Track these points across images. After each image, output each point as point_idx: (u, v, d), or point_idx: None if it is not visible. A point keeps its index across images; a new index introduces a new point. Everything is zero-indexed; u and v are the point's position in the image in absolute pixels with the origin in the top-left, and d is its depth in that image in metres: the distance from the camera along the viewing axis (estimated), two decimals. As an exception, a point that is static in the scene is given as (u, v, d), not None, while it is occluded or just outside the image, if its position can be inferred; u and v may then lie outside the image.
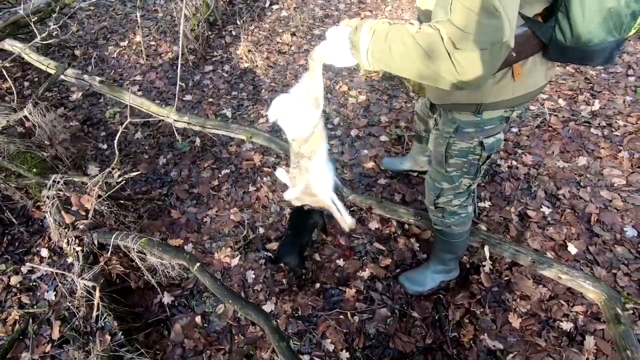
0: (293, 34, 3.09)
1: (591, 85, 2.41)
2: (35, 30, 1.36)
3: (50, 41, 1.53)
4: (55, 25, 1.59)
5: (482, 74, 0.69)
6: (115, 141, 1.72)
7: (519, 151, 2.12)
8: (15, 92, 2.15)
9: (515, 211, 1.87)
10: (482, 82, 0.71)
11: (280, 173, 1.36)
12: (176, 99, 2.06)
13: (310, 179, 1.16)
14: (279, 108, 1.05)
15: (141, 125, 2.46)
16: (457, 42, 0.66)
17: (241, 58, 2.90)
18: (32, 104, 2.00)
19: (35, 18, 1.74)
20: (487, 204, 1.91)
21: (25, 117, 2.01)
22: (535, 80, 0.99)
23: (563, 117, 2.25)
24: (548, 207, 1.86)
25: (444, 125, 1.19)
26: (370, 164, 2.15)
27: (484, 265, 1.66)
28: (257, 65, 2.82)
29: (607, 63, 0.91)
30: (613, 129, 2.15)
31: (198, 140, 2.32)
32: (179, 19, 2.80)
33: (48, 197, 1.67)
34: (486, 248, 1.58)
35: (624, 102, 2.27)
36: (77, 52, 3.03)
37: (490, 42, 0.66)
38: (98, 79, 2.26)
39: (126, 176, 1.80)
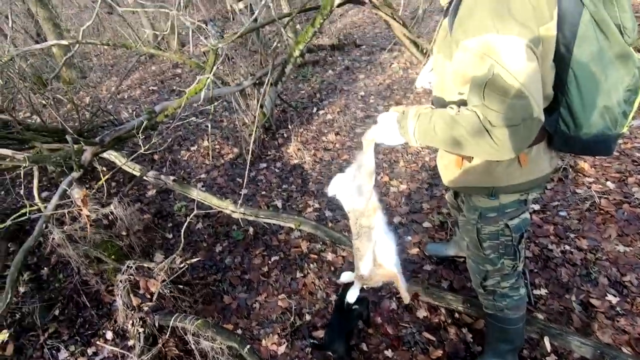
0: (337, 134, 3.46)
1: (640, 167, 2.37)
2: (140, 142, 1.73)
3: (143, 152, 1.92)
4: (144, 139, 2.02)
5: (519, 146, 0.84)
6: (183, 230, 1.97)
7: (572, 235, 2.05)
8: (105, 190, 2.58)
9: (577, 300, 1.74)
10: (519, 152, 0.85)
11: (346, 276, 1.45)
12: (242, 194, 2.33)
13: (375, 248, 1.25)
14: (337, 185, 1.21)
15: (202, 217, 2.75)
16: (493, 121, 0.82)
17: (291, 156, 3.25)
18: (117, 201, 2.38)
19: (136, 134, 2.21)
20: (543, 291, 1.81)
21: (111, 211, 2.37)
22: (541, 168, 1.08)
23: (614, 199, 2.19)
24: (615, 296, 1.72)
25: (468, 212, 1.27)
26: (415, 250, 2.17)
27: (548, 361, 1.52)
28: (305, 162, 3.14)
29: (607, 154, 1.01)
30: (674, 211, 2.04)
31: (251, 230, 2.53)
32: (240, 127, 3.30)
33: (121, 281, 1.88)
34: (546, 339, 1.47)
35: (680, 182, 2.18)
36: (155, 157, 3.60)
37: (522, 118, 0.81)
38: (172, 178, 2.66)
39: (187, 262, 2.00)
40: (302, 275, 2.16)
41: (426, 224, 2.34)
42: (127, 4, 6.11)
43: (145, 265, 1.98)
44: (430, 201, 2.50)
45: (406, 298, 1.42)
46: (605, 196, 2.22)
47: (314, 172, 3.05)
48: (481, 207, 1.19)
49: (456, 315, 1.77)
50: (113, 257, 2.10)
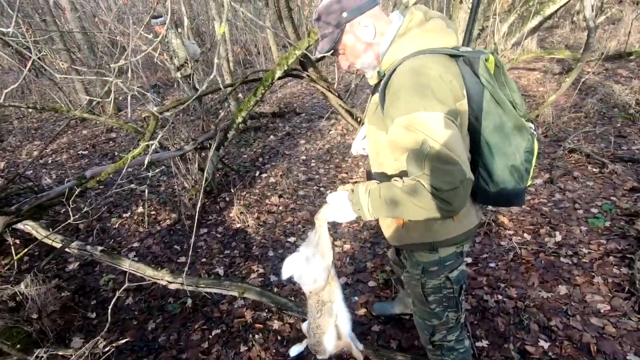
0: (280, 196, 3.49)
1: (548, 219, 2.71)
2: (70, 211, 1.59)
3: (71, 222, 1.75)
4: (71, 207, 1.86)
5: (462, 203, 0.96)
6: (110, 307, 1.75)
7: (502, 285, 2.20)
8: (15, 267, 2.25)
9: (515, 348, 1.83)
10: (462, 208, 0.97)
11: (295, 348, 1.42)
12: (181, 262, 2.18)
13: (338, 321, 1.25)
14: (290, 266, 1.18)
15: (133, 291, 2.49)
16: (438, 187, 0.93)
17: (234, 220, 3.18)
18: (29, 278, 2.08)
19: (60, 201, 2.02)
20: (484, 343, 1.88)
21: (18, 291, 2.05)
22: (471, 220, 1.21)
23: (532, 249, 2.44)
24: (545, 341, 1.84)
25: (411, 268, 1.33)
26: (362, 311, 2.16)
27: (498, 415, 1.53)
28: (248, 225, 3.08)
29: (520, 205, 1.21)
30: (580, 257, 2.32)
31: (189, 301, 2.34)
32: (179, 191, 3.19)
33: (27, 376, 1.58)
34: (492, 392, 1.49)
35: (580, 231, 2.52)
36: (81, 226, 3.28)
37: (459, 180, 0.93)
38: (99, 248, 2.42)
39: (113, 345, 1.76)
40: (247, 348, 2.00)
41: (371, 283, 2.36)
42: (61, 68, 5.94)
43: (60, 352, 1.70)
44: (373, 259, 2.56)
45: (360, 357, 1.39)
46: (525, 247, 2.47)
47: (258, 235, 2.99)
48: (423, 262, 1.26)
49: (407, 376, 1.74)
50: (19, 346, 1.77)
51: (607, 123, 4.04)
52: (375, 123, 1.16)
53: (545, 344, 1.82)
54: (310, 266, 1.17)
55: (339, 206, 1.14)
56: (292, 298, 2.29)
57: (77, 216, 1.57)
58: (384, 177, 1.19)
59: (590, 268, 2.23)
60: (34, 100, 6.64)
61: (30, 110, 5.26)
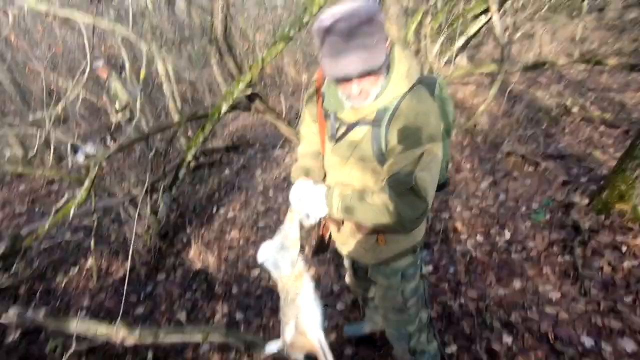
0: (240, 230, 3.42)
1: (496, 219, 2.88)
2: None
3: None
4: (5, 270, 1.69)
5: (416, 227, 1.12)
6: (56, 376, 1.59)
7: (463, 288, 2.28)
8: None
9: (482, 349, 1.88)
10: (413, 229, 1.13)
11: (271, 345, 1.40)
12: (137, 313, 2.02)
13: (300, 314, 1.23)
14: (264, 252, 1.24)
15: (86, 354, 2.27)
16: (402, 213, 1.06)
17: (193, 261, 3.05)
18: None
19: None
20: (454, 347, 1.91)
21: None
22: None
23: (486, 249, 2.57)
24: (508, 336, 1.92)
25: (388, 279, 1.34)
26: (333, 336, 2.13)
27: (474, 419, 1.54)
28: (209, 264, 2.97)
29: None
30: (528, 251, 2.48)
31: (150, 355, 2.18)
32: (132, 239, 3.02)
33: None
34: (465, 396, 1.51)
35: (525, 227, 2.70)
36: (20, 291, 2.98)
37: (422, 213, 1.10)
38: (42, 312, 2.20)
39: (64, 418, 1.58)
40: (216, 396, 1.89)
41: (339, 306, 2.35)
42: (-11, 123, 5.54)
43: None
44: (339, 282, 2.55)
45: None
46: (479, 248, 2.59)
47: (220, 273, 2.89)
48: (401, 268, 1.30)
49: (383, 395, 1.72)
50: None
51: (535, 125, 4.44)
52: (355, 157, 1.19)
53: (508, 339, 1.89)
54: (278, 254, 1.23)
55: (315, 199, 1.20)
56: (261, 333, 2.21)
57: (1, 281, 1.43)
58: None
59: (538, 260, 2.38)
60: (-40, 159, 6.08)
61: (-45, 170, 4.81)
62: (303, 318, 1.26)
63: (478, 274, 2.38)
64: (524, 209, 2.93)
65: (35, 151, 3.58)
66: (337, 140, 1.21)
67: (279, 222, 3.45)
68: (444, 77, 5.03)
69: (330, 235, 1.53)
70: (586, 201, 2.75)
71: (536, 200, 2.99)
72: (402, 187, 1.05)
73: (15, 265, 2.49)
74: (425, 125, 1.06)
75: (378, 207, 1.09)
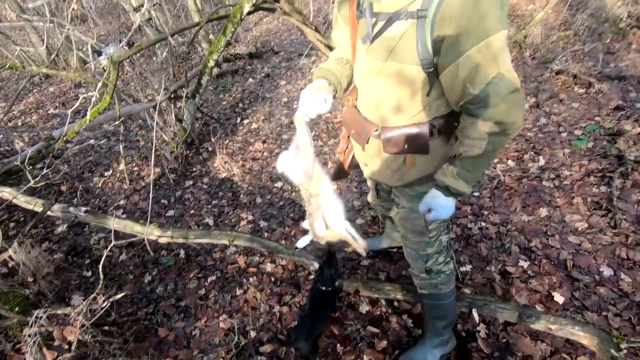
0: (264, 142, 3.41)
1: (532, 144, 2.71)
2: (28, 175, 1.52)
3: (40, 184, 1.69)
4: (47, 170, 1.78)
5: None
6: (100, 265, 1.77)
7: (485, 212, 2.26)
8: (1, 234, 2.22)
9: (496, 270, 1.93)
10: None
11: (302, 241, 1.61)
12: (168, 215, 2.16)
13: (324, 212, 1.36)
14: (283, 161, 1.29)
15: (126, 247, 2.51)
16: (513, 121, 0.98)
17: (218, 170, 3.13)
18: (17, 244, 2.07)
19: (27, 165, 1.93)
20: (468, 267, 1.97)
21: (10, 256, 2.05)
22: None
23: (516, 175, 2.47)
24: (525, 261, 1.94)
25: (410, 202, 1.30)
26: (351, 248, 2.22)
27: (479, 331, 1.65)
28: (234, 174, 3.04)
29: None
30: (562, 179, 2.36)
31: (182, 253, 2.38)
32: (159, 145, 3.09)
33: (29, 336, 1.63)
34: (474, 311, 1.59)
35: (563, 154, 2.54)
36: (63, 188, 3.21)
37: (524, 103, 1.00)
38: (83, 209, 2.38)
39: (110, 299, 1.80)
40: (243, 291, 2.08)
41: (359, 221, 2.40)
42: (10, 19, 5.40)
43: (59, 311, 1.74)
44: (360, 198, 2.58)
45: (362, 252, 1.52)
46: (509, 174, 2.49)
47: (244, 183, 2.97)
48: (424, 192, 1.21)
49: (395, 304, 1.84)
50: (17, 309, 1.81)
51: (597, 40, 3.88)
52: (395, 59, 1.00)
53: (524, 264, 1.92)
54: (296, 162, 1.26)
55: (448, 206, 1.14)
56: (282, 241, 2.34)
57: (37, 179, 1.50)
58: (396, 132, 1.13)
59: (570, 189, 2.28)
60: (-11, 57, 6.12)
61: (-15, 69, 4.87)
62: (327, 215, 1.38)
63: (503, 200, 2.33)
64: (565, 134, 2.72)
65: (57, 51, 3.51)
66: (373, 39, 1.02)
67: (302, 136, 3.41)
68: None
69: (352, 159, 1.48)
70: (638, 130, 2.51)
71: (580, 126, 2.76)
72: (494, 98, 0.92)
73: (51, 165, 2.62)
74: (489, 9, 0.86)
75: (489, 139, 0.98)
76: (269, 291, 2.06)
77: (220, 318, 1.96)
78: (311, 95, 1.16)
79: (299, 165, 1.26)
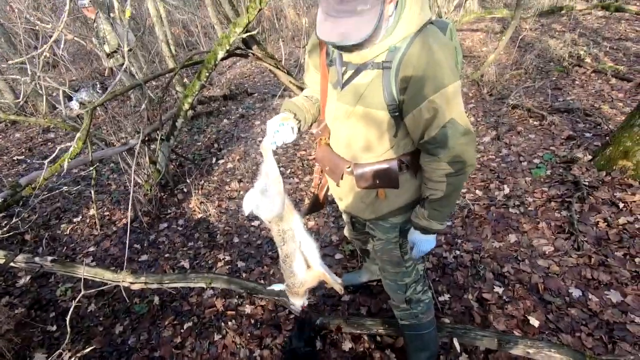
0: (240, 181, 3.43)
1: (496, 174, 2.87)
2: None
3: (5, 235, 1.62)
4: (16, 219, 1.71)
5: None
6: (68, 318, 1.66)
7: (459, 241, 2.34)
8: (-44, 291, 2.07)
9: (473, 297, 1.97)
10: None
11: (277, 286, 1.50)
12: (141, 260, 2.09)
13: (302, 249, 1.29)
14: (249, 201, 1.23)
15: (95, 297, 2.38)
16: (469, 162, 1.10)
17: (194, 211, 3.10)
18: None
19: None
20: (446, 296, 2.00)
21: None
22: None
23: (484, 204, 2.59)
24: (499, 287, 1.99)
25: (386, 233, 1.34)
26: (329, 285, 2.21)
27: (462, 361, 1.65)
28: (210, 214, 3.01)
29: None
30: (526, 206, 2.50)
31: (157, 299, 2.28)
32: (132, 188, 3.03)
33: (-15, 402, 1.49)
34: (455, 340, 1.61)
35: (525, 182, 2.70)
36: (27, 237, 3.05)
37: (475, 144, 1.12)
38: (50, 258, 2.26)
39: (78, 354, 1.69)
40: (221, 336, 2.00)
41: (338, 256, 2.42)
42: (-24, 67, 5.33)
43: (20, 372, 1.61)
44: (338, 233, 2.60)
45: (340, 290, 1.45)
46: (477, 202, 2.61)
47: (221, 223, 2.94)
48: (400, 223, 1.29)
49: (378, 339, 1.83)
50: (-29, 373, 1.66)
51: (545, 77, 4.27)
52: (363, 104, 1.09)
53: (499, 289, 1.97)
54: (265, 197, 1.22)
55: (428, 241, 1.26)
56: (261, 281, 2.30)
57: (4, 229, 1.45)
58: (367, 168, 1.19)
59: (535, 215, 2.41)
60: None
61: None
62: (306, 251, 1.32)
63: (475, 228, 2.42)
64: (525, 163, 2.91)
65: (25, 98, 3.46)
66: (343, 85, 1.12)
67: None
68: (453, 23, 4.75)
69: (326, 192, 1.52)
70: (589, 157, 2.73)
71: (538, 156, 2.96)
72: (449, 140, 1.03)
73: (16, 214, 2.51)
74: (444, 62, 0.99)
75: (448, 181, 1.10)
76: (249, 334, 1.99)
77: (198, 367, 1.87)
78: (278, 123, 1.21)
79: (269, 199, 1.21)
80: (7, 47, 5.86)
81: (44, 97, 3.11)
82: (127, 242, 1.91)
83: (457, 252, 2.26)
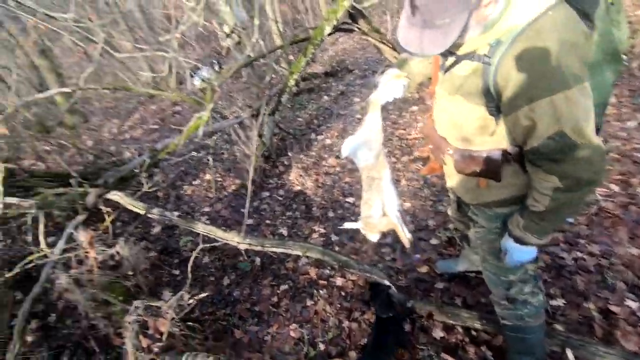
0: (337, 157, 3.49)
1: (642, 167, 2.37)
2: (143, 181, 1.76)
3: (150, 189, 1.95)
4: (156, 178, 2.06)
5: (603, 172, 0.95)
6: (189, 266, 1.96)
7: (582, 241, 2.02)
8: (110, 231, 2.58)
9: (596, 308, 1.70)
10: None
11: (348, 224, 1.59)
12: (244, 224, 2.33)
13: (384, 197, 1.35)
14: (349, 146, 1.33)
15: (208, 251, 2.73)
16: (585, 178, 0.93)
17: (293, 183, 3.27)
18: (123, 241, 2.38)
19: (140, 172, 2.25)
20: (560, 301, 1.77)
21: (117, 251, 2.37)
22: None
23: (621, 201, 2.17)
24: (634, 301, 1.68)
25: (488, 221, 1.25)
26: (425, 269, 2.14)
27: (574, 374, 1.46)
28: (307, 187, 3.15)
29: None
30: (683, 209, 2.02)
31: (258, 260, 2.51)
32: (241, 158, 3.34)
33: (129, 323, 1.85)
34: (568, 351, 1.42)
35: (684, 179, 2.17)
36: (159, 194, 3.62)
37: (601, 160, 0.92)
38: (176, 214, 2.66)
39: (195, 298, 1.97)
40: (313, 302, 2.12)
41: (434, 241, 2.31)
42: (126, 49, 6.34)
43: (154, 304, 1.95)
44: (435, 217, 2.48)
45: (407, 242, 1.47)
46: (611, 199, 2.20)
47: (317, 197, 3.05)
48: (504, 214, 1.18)
49: (473, 333, 1.72)
50: (120, 298, 2.07)
51: None
52: (461, 94, 1.02)
53: (633, 304, 1.66)
54: (363, 146, 1.29)
55: (523, 251, 1.14)
56: (353, 256, 2.34)
57: (150, 185, 1.72)
58: (467, 153, 1.12)
59: (695, 221, 1.94)
60: (107, 81, 7.24)
61: (105, 91, 5.76)
62: (386, 200, 1.37)
63: (604, 228, 2.06)
64: (686, 156, 2.33)
65: (161, 75, 4.04)
66: (446, 71, 1.07)
67: (375, 152, 3.41)
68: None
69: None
70: None
71: None
72: (555, 154, 0.88)
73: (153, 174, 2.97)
74: (555, 64, 0.81)
75: (554, 196, 0.94)
76: (339, 305, 2.07)
77: (291, 327, 2.02)
78: (391, 79, 1.22)
79: (369, 149, 1.29)
80: (147, 31, 6.84)
81: (173, 74, 3.57)
82: (247, 209, 2.16)
83: (579, 254, 1.96)
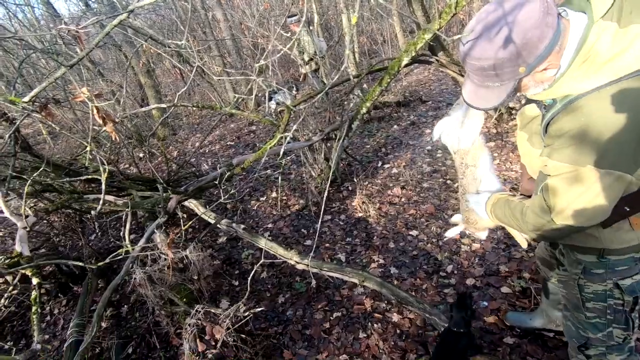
0: (402, 188, 3.41)
1: None
2: (221, 192, 1.89)
3: (226, 201, 2.08)
4: (233, 190, 2.21)
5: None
6: (249, 279, 2.02)
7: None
8: (183, 236, 2.79)
9: None
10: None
11: (451, 231, 1.44)
12: (307, 245, 2.35)
13: (480, 187, 1.24)
14: (441, 128, 1.26)
15: (267, 266, 2.80)
16: (574, 224, 0.92)
17: (356, 209, 3.25)
18: (192, 246, 2.55)
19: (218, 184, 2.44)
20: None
21: (186, 255, 2.54)
22: None
23: None
24: None
25: (569, 266, 1.16)
26: (492, 319, 1.95)
27: None
28: (369, 215, 3.11)
29: None
30: None
31: (314, 282, 2.50)
32: (307, 179, 3.43)
33: (189, 325, 1.95)
34: None
35: None
36: (228, 206, 3.85)
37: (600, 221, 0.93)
38: (242, 226, 2.80)
39: (251, 311, 2.02)
40: (365, 335, 2.04)
41: (505, 289, 2.11)
42: (215, 72, 7.02)
43: (212, 310, 2.04)
44: (508, 263, 2.27)
45: (523, 242, 1.27)
46: None
47: (379, 226, 2.99)
48: (585, 262, 1.08)
49: (548, 402, 1.50)
50: (184, 300, 2.20)
51: None
52: (528, 133, 1.10)
53: None
54: (456, 127, 1.21)
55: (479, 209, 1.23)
56: (412, 293, 2.23)
57: (226, 197, 1.84)
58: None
59: None
60: (196, 100, 8.04)
61: (193, 108, 6.40)
62: (483, 189, 1.24)
63: None
64: None
65: (242, 97, 4.38)
66: (522, 106, 1.13)
67: (444, 186, 3.27)
68: None
69: None
70: None
71: None
72: (534, 198, 1.00)
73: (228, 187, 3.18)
74: (592, 144, 0.82)
75: (535, 226, 1.00)
76: (393, 343, 1.96)
77: (341, 357, 1.95)
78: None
79: (464, 130, 1.19)
80: (235, 57, 7.51)
81: (253, 96, 3.85)
82: (318, 230, 2.18)
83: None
